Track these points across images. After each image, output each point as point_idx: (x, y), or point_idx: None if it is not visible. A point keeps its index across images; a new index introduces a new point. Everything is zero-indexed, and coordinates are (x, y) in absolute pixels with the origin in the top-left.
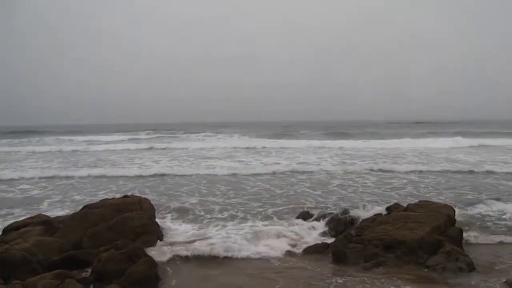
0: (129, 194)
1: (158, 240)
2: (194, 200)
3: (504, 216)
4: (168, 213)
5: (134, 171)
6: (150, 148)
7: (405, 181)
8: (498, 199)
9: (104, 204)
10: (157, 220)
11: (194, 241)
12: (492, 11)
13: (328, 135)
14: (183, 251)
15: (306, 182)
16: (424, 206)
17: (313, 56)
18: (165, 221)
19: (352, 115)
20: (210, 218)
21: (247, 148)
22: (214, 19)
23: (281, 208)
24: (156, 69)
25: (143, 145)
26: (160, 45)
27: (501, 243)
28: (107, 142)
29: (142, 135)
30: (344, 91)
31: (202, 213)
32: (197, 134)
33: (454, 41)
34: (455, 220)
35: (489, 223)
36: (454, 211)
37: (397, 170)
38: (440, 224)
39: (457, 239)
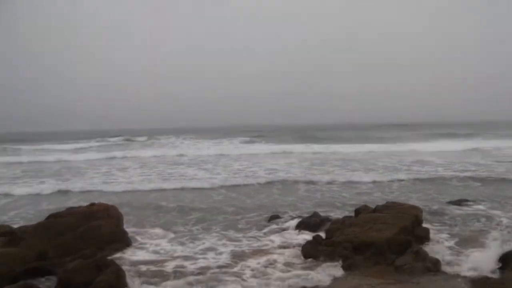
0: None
1: (127, 248)
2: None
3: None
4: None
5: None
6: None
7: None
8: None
9: (70, 212)
10: (125, 227)
11: (165, 260)
12: None
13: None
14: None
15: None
16: (392, 207)
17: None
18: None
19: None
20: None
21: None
22: None
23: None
24: None
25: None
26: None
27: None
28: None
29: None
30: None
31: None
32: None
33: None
34: (422, 220)
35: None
36: (421, 212)
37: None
38: (408, 224)
39: (425, 239)
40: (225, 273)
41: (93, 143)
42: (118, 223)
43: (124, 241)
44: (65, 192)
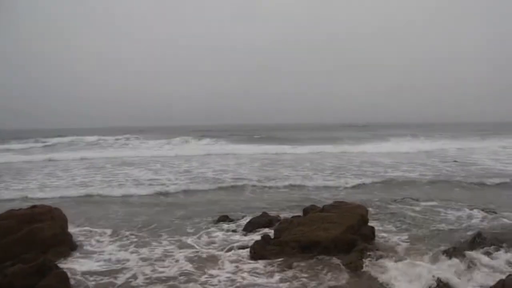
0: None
1: (72, 251)
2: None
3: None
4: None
5: None
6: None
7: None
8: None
9: (10, 215)
10: (70, 230)
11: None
12: None
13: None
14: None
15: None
16: (339, 206)
17: None
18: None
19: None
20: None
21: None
22: None
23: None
24: None
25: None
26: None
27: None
28: None
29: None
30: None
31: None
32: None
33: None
34: (367, 219)
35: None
36: (367, 211)
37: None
38: (354, 223)
39: (370, 237)
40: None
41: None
42: (62, 226)
43: (68, 245)
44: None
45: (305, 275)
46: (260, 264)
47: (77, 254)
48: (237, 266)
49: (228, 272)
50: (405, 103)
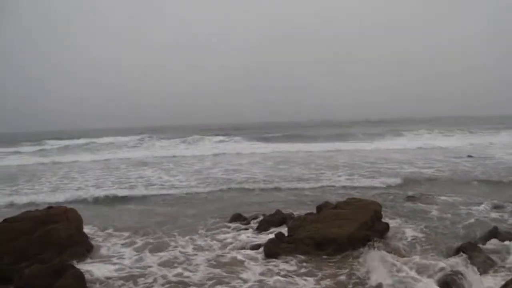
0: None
1: (87, 252)
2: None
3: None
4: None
5: None
6: None
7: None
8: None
9: (26, 216)
10: (85, 231)
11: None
12: None
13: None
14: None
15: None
16: (352, 203)
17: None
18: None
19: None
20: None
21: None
22: None
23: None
24: None
25: None
26: None
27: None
28: None
29: None
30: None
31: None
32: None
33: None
34: (381, 215)
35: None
36: (381, 207)
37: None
38: (367, 220)
39: (384, 233)
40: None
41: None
42: (77, 227)
43: (84, 246)
44: None
45: (339, 271)
46: (285, 264)
47: (94, 255)
48: (260, 266)
49: (254, 274)
50: (411, 96)
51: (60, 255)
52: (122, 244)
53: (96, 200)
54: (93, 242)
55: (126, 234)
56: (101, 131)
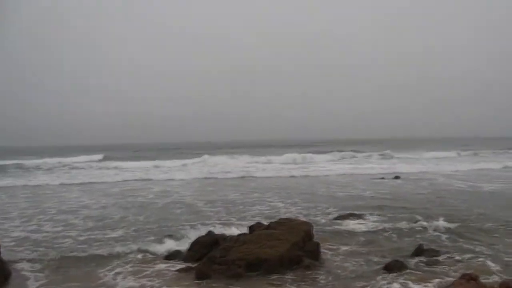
0: None
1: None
2: None
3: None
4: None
5: None
6: None
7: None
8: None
9: None
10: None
11: None
12: None
13: None
14: None
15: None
16: (284, 223)
17: None
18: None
19: None
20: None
21: None
22: None
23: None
24: None
25: None
26: None
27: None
28: None
29: None
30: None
31: None
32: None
33: None
34: (312, 235)
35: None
36: (312, 227)
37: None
38: (299, 240)
39: (315, 253)
40: None
41: None
42: None
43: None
44: None
45: None
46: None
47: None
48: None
49: None
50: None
51: None
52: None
53: None
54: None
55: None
56: None
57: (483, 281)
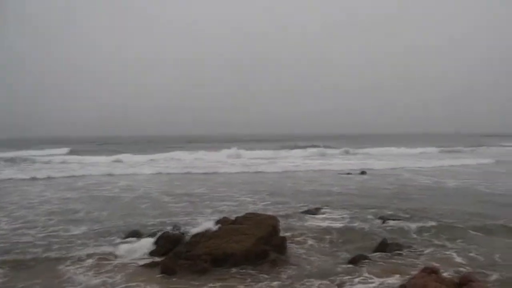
0: None
1: None
2: None
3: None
4: None
5: None
6: None
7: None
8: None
9: None
10: None
11: None
12: None
13: None
14: None
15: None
16: (251, 218)
17: None
18: None
19: None
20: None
21: None
22: None
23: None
24: None
25: None
26: None
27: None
28: None
29: None
30: None
31: None
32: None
33: None
34: (279, 229)
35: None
36: (278, 222)
37: None
38: (265, 234)
39: (281, 247)
40: None
41: None
42: None
43: None
44: None
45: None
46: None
47: None
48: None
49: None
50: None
51: None
52: None
53: None
54: None
55: None
56: None
57: (444, 274)
